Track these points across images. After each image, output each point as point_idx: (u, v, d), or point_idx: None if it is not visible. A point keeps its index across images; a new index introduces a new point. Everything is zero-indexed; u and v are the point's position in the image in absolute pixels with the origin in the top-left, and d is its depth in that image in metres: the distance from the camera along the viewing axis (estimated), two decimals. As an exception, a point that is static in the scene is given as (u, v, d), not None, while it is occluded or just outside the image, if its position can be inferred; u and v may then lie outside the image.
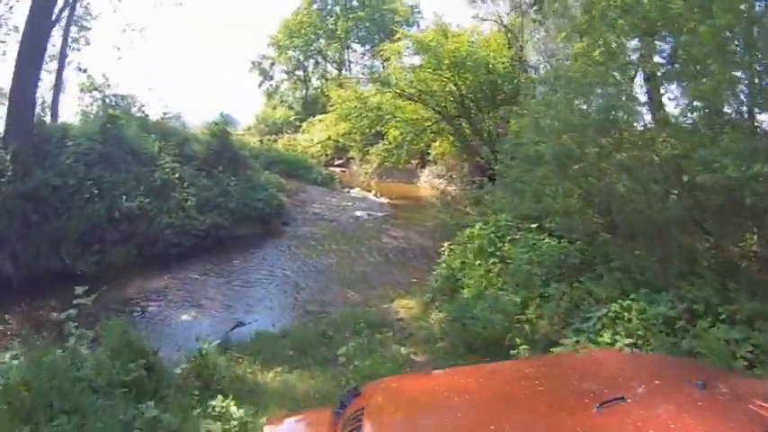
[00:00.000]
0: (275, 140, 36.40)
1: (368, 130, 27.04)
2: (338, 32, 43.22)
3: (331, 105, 29.27)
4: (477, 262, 9.94)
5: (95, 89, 20.78)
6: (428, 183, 30.75)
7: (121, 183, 14.40)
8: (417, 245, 15.70)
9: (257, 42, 75.90)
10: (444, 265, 10.49)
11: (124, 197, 14.06)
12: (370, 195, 24.12)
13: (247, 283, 12.42)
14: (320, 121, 34.36)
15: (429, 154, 29.65)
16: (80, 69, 22.70)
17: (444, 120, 25.74)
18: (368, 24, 44.43)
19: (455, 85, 24.46)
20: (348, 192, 24.12)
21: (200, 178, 16.18)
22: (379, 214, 20.29)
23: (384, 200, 23.46)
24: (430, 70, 24.55)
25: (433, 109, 25.58)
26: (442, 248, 11.06)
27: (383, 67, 34.05)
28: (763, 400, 2.31)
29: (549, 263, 8.22)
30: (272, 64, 46.66)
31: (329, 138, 34.15)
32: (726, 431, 2.20)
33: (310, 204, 20.25)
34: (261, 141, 32.45)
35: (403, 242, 16.13)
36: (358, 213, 19.88)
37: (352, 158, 35.10)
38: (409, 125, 26.00)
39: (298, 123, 41.36)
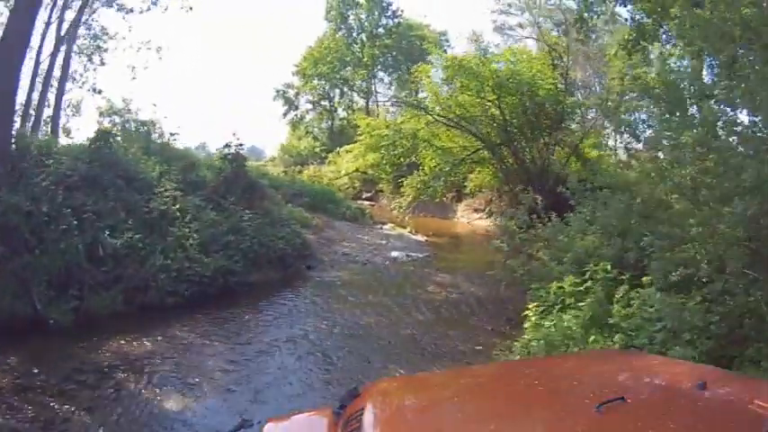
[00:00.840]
0: (300, 172, 33.41)
1: (401, 160, 23.87)
2: (365, 59, 40.16)
3: (359, 134, 26.88)
4: (592, 338, 6.51)
5: (115, 113, 18.98)
6: (465, 217, 27.25)
7: (108, 213, 11.22)
8: (472, 296, 12.35)
9: (283, 66, 72.68)
10: (538, 338, 7.10)
11: (108, 231, 10.91)
12: (406, 232, 20.73)
13: (259, 351, 9.01)
14: (348, 151, 31.51)
15: (465, 186, 26.77)
16: (95, 91, 20.46)
17: (486, 148, 22.28)
18: (394, 53, 41.47)
19: (498, 108, 21.00)
20: (380, 228, 20.73)
21: (206, 211, 12.89)
22: (419, 255, 16.85)
23: (421, 237, 20.07)
24: (471, 93, 21.14)
25: (475, 135, 22.12)
26: (527, 312, 8.58)
27: (414, 94, 30.99)
28: (763, 400, 2.11)
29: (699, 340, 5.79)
30: (297, 93, 43.76)
31: (357, 169, 31.16)
32: (726, 431, 2.06)
33: (339, 243, 16.86)
34: (285, 172, 29.15)
35: (454, 292, 12.73)
36: (395, 254, 16.45)
37: (381, 191, 32.54)
38: (447, 154, 22.53)
39: (324, 155, 38.73)
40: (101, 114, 19.11)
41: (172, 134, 15.89)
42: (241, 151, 14.72)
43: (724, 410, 2.25)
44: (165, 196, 12.46)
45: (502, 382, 2.85)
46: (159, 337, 9.48)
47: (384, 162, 25.93)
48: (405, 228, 21.64)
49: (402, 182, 24.08)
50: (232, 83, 79.64)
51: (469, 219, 27.31)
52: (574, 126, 24.11)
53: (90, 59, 21.68)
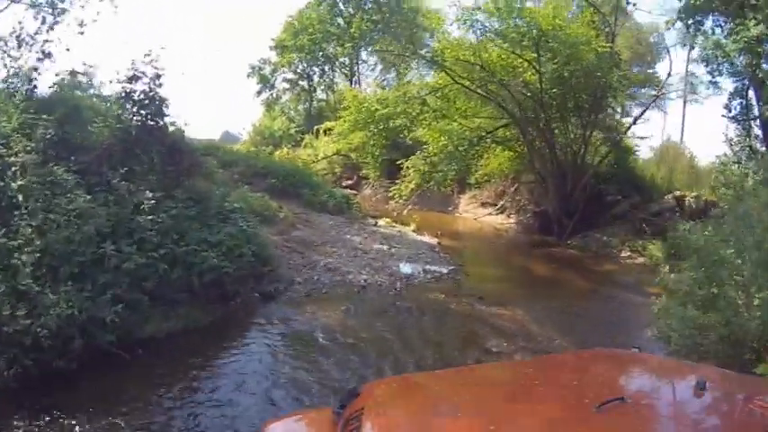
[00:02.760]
0: (271, 153, 26.58)
1: (401, 136, 17.19)
2: (352, 30, 33.23)
3: (344, 109, 21.43)
4: None
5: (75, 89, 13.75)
6: (470, 212, 20.72)
7: None
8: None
9: (259, 42, 62.38)
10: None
11: None
12: (408, 231, 14.03)
13: None
14: (327, 131, 24.59)
15: (472, 174, 20.83)
16: (44, 54, 13.76)
17: (515, 123, 15.70)
18: (382, 32, 34.62)
19: (537, 72, 14.42)
20: (375, 225, 13.95)
21: (76, 192, 6.28)
22: (442, 270, 10.40)
23: (430, 239, 13.46)
24: (505, 47, 14.51)
25: (501, 106, 15.50)
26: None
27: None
28: (763, 400, 2.03)
29: None
30: (274, 70, 36.55)
31: (338, 152, 24.32)
32: (726, 431, 2.05)
33: (320, 249, 10.23)
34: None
35: (527, 345, 6.19)
36: (407, 269, 9.97)
37: (365, 179, 25.54)
38: (462, 130, 15.91)
39: (299, 137, 31.91)
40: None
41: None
42: (159, 91, 7.82)
43: (724, 410, 2.18)
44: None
45: (502, 383, 2.71)
46: None
47: (372, 143, 19.69)
48: (405, 225, 14.95)
49: (396, 167, 17.59)
50: (206, 61, 69.41)
51: (475, 214, 20.85)
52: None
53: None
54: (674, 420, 2.04)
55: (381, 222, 14.79)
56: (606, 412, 1.91)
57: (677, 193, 16.16)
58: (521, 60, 14.91)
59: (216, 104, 65.52)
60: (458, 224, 19.93)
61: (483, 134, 16.35)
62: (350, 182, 26.80)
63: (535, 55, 14.52)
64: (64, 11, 14.95)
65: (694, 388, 2.13)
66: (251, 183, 12.17)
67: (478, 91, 15.60)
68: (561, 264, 13.21)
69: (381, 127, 19.67)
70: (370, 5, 35.46)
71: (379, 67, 37.50)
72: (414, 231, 14.38)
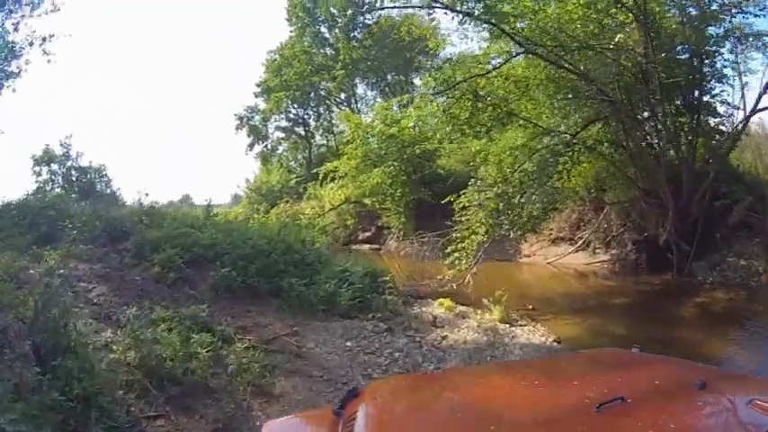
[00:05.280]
0: (267, 211, 20.16)
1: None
2: (341, 56, 27.00)
3: (346, 143, 18.03)
4: None
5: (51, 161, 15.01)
6: (540, 254, 14.91)
7: None
8: None
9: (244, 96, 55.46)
10: None
11: None
12: (494, 321, 7.01)
13: None
14: (332, 173, 19.61)
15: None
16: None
17: (614, 114, 8.71)
18: (375, 58, 28.66)
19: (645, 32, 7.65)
20: (435, 323, 6.97)
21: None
22: None
23: (532, 327, 6.47)
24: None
25: (598, 89, 8.54)
26: None
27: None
28: (762, 400, 1.89)
29: None
30: (265, 119, 30.42)
31: (347, 199, 17.60)
32: (726, 431, 1.90)
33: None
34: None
35: None
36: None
37: (386, 228, 19.48)
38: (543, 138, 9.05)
39: (301, 188, 26.12)
40: (36, 162, 14.82)
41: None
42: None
43: (724, 410, 2.03)
44: None
45: (502, 383, 2.57)
46: None
47: (391, 181, 14.52)
48: (473, 305, 8.14)
49: (428, 208, 11.23)
50: (194, 116, 61.55)
51: (546, 256, 14.21)
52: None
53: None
54: (674, 420, 1.83)
55: (440, 311, 7.90)
56: (606, 412, 1.80)
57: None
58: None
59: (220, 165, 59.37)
60: (531, 276, 13.75)
61: (570, 136, 9.47)
62: (367, 234, 20.63)
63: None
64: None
65: (694, 388, 2.01)
66: (184, 281, 7.16)
67: (565, 65, 8.76)
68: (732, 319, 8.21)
69: (404, 156, 13.02)
70: (358, 31, 29.42)
71: (379, 99, 30.98)
72: (504, 321, 7.45)
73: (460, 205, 9.80)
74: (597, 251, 13.49)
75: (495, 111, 9.59)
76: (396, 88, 29.32)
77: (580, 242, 13.76)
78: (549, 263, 13.97)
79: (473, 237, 9.24)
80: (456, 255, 9.33)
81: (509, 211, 9.23)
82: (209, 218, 10.21)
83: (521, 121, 10.15)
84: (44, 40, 13.81)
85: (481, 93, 9.32)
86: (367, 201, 18.18)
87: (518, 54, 9.45)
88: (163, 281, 7.11)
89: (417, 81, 31.11)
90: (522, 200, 9.23)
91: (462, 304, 9.02)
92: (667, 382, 2.25)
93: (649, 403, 1.99)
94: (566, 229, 14.33)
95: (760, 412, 1.81)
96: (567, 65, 9.23)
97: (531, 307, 8.95)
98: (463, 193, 9.96)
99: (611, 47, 9.12)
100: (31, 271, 6.35)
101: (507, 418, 2.01)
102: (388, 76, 30.62)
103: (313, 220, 18.90)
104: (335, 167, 18.59)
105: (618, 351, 3.23)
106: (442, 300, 8.89)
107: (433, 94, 9.73)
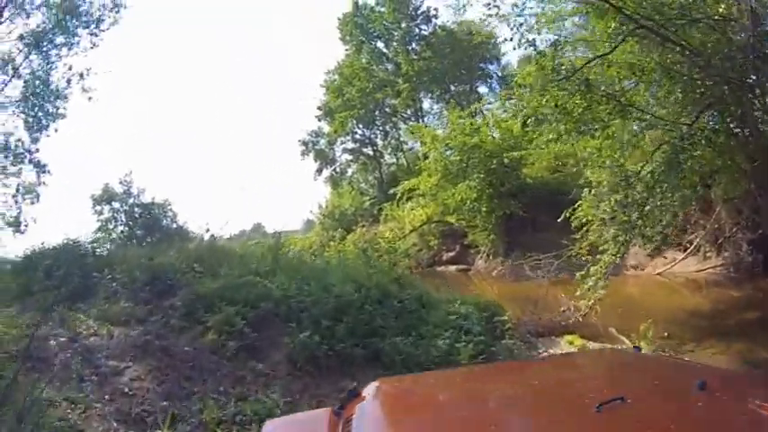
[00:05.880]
0: (343, 238, 19.17)
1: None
2: (403, 69, 25.99)
3: (424, 158, 17.26)
4: None
5: (112, 200, 14.07)
6: (643, 264, 13.13)
7: None
8: None
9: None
10: None
11: None
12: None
13: None
14: (409, 192, 18.42)
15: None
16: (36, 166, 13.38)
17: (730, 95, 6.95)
18: (437, 68, 27.52)
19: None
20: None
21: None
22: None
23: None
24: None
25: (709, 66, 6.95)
26: None
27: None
28: (762, 399, 1.83)
29: None
30: (331, 142, 29.74)
31: (428, 219, 16.26)
32: (726, 431, 1.80)
33: None
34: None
35: None
36: None
37: (472, 247, 17.92)
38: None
39: (375, 210, 25.23)
40: (96, 202, 13.85)
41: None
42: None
43: (724, 410, 1.94)
44: None
45: (502, 382, 2.53)
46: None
47: (476, 196, 13.50)
48: (612, 343, 6.56)
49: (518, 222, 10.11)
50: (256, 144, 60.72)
51: (655, 266, 13.06)
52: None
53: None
54: (674, 420, 1.79)
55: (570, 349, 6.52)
56: (606, 412, 1.75)
57: None
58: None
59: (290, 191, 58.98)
60: (643, 292, 11.90)
61: (686, 126, 7.77)
62: (451, 254, 19.22)
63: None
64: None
65: (694, 388, 1.94)
66: (249, 352, 5.55)
67: (677, 41, 7.17)
68: None
69: (490, 167, 11.63)
70: (415, 44, 28.42)
71: (445, 111, 29.75)
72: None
73: (577, 220, 8.19)
74: (708, 255, 11.84)
75: (609, 103, 7.97)
76: (461, 98, 28.05)
77: (691, 247, 11.91)
78: (658, 273, 12.10)
79: (602, 258, 7.59)
80: (590, 282, 7.67)
81: (641, 222, 7.53)
82: (278, 256, 8.33)
83: (636, 114, 8.50)
84: (81, 76, 13.70)
85: (592, 83, 7.76)
86: (450, 219, 16.81)
87: (629, 33, 7.87)
88: (220, 352, 5.50)
89: (482, 89, 30.13)
90: (658, 205, 7.53)
91: (592, 339, 7.46)
92: (667, 382, 2.22)
93: (649, 403, 1.95)
94: (672, 232, 12.47)
95: (760, 412, 1.76)
96: (678, 42, 7.59)
97: (666, 334, 7.24)
98: (578, 206, 8.35)
99: (717, 18, 7.44)
100: (51, 342, 5.11)
101: (507, 418, 1.99)
102: (452, 87, 29.46)
103: (393, 244, 17.72)
104: (415, 186, 17.32)
105: (618, 351, 3.15)
106: (568, 337, 7.40)
107: (538, 91, 8.20)
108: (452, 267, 17.98)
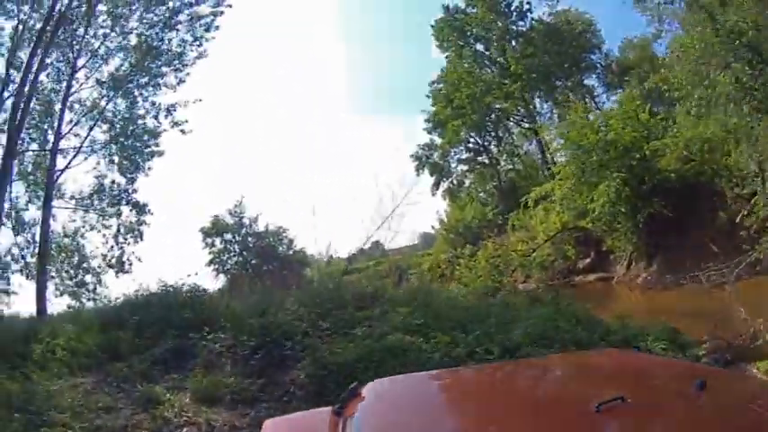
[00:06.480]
0: (473, 254, 18.53)
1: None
2: (511, 67, 24.84)
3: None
4: None
5: (224, 232, 14.73)
6: None
7: None
8: None
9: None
10: None
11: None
12: None
13: None
14: (545, 196, 17.32)
15: None
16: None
17: None
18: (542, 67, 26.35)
19: None
20: None
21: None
22: None
23: None
24: None
25: None
26: None
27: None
28: (762, 399, 1.89)
29: None
30: (444, 154, 29.37)
31: (564, 227, 16.82)
32: (725, 431, 1.79)
33: None
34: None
35: None
36: None
37: (609, 252, 16.46)
38: None
39: (500, 220, 24.06)
40: (206, 234, 14.75)
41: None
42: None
43: (724, 410, 1.95)
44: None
45: (502, 382, 2.61)
46: None
47: (614, 193, 12.65)
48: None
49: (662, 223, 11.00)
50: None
51: None
52: None
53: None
54: (674, 420, 1.83)
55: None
56: (606, 412, 1.74)
57: None
58: None
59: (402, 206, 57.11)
60: None
61: None
62: (587, 261, 17.67)
63: None
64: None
65: (694, 388, 1.92)
66: None
67: None
68: None
69: (631, 164, 10.74)
70: (515, 43, 27.37)
71: (555, 110, 28.78)
72: None
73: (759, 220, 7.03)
74: None
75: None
76: (570, 94, 26.58)
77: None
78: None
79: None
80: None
81: None
82: (428, 300, 7.09)
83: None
84: (168, 111, 13.95)
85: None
86: (584, 224, 15.67)
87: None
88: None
89: (590, 81, 28.45)
90: None
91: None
92: (667, 382, 2.24)
93: (649, 403, 1.93)
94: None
95: (760, 412, 1.77)
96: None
97: None
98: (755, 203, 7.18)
99: None
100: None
101: (507, 417, 1.98)
102: (557, 83, 27.98)
103: (528, 256, 16.77)
104: (549, 191, 16.50)
105: (618, 351, 3.30)
106: (761, 363, 6.18)
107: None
108: (591, 276, 16.66)
